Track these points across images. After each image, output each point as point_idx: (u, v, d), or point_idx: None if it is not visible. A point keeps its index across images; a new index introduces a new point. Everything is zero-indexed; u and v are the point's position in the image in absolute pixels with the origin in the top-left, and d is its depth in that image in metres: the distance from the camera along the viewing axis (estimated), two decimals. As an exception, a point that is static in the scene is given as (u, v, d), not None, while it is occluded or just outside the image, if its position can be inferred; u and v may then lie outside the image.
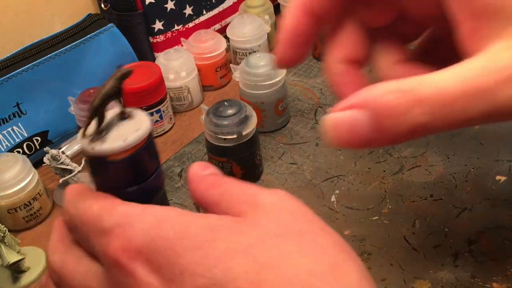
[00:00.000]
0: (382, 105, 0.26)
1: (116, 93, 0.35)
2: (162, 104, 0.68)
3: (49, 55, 0.64)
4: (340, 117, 0.27)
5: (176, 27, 0.77)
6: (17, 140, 0.63)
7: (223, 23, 0.84)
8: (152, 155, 0.38)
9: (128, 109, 0.37)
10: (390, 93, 0.26)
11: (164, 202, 0.35)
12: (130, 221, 0.24)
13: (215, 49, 0.75)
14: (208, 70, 0.75)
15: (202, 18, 0.80)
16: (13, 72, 0.61)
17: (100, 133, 0.35)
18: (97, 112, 0.35)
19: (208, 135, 0.57)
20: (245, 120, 0.55)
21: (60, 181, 0.58)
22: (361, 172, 0.58)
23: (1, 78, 0.61)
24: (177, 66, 0.70)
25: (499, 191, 0.53)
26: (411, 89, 0.25)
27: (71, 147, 0.68)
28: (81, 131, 0.35)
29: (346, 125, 0.27)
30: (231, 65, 0.71)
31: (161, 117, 0.68)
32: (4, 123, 0.62)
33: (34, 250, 0.54)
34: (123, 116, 0.37)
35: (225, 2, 0.83)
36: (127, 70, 0.35)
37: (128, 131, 0.36)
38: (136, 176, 0.36)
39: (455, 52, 0.31)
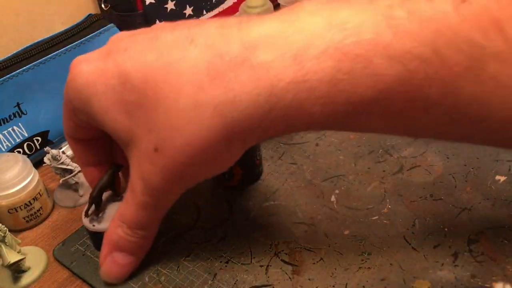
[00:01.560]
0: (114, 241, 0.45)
1: (110, 185, 0.49)
2: (162, 104, 0.67)
3: (49, 55, 0.64)
4: (107, 264, 0.45)
5: (176, 27, 0.77)
6: (18, 140, 0.63)
7: (223, 23, 0.84)
8: None
9: (119, 192, 0.51)
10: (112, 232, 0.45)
11: None
12: None
13: (215, 49, 0.74)
14: (208, 70, 0.75)
15: (202, 18, 0.81)
16: (14, 72, 0.62)
17: (98, 214, 0.50)
18: (95, 200, 0.49)
19: (208, 135, 0.57)
20: (245, 120, 0.55)
21: (61, 181, 0.58)
22: (361, 172, 0.58)
23: (1, 78, 0.61)
24: (177, 66, 0.70)
25: (499, 191, 0.53)
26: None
27: (72, 147, 0.68)
28: (83, 212, 0.50)
29: (113, 264, 0.45)
30: (231, 65, 0.70)
31: (161, 117, 0.68)
32: (4, 123, 0.62)
33: (34, 250, 0.54)
34: (116, 198, 0.51)
35: (225, 2, 0.83)
36: (119, 166, 0.49)
37: None
38: None
39: None
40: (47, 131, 0.66)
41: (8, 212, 0.55)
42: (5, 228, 0.48)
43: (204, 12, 0.79)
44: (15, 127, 0.63)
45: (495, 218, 0.50)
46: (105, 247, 0.44)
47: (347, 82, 0.31)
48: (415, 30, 0.30)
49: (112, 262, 0.44)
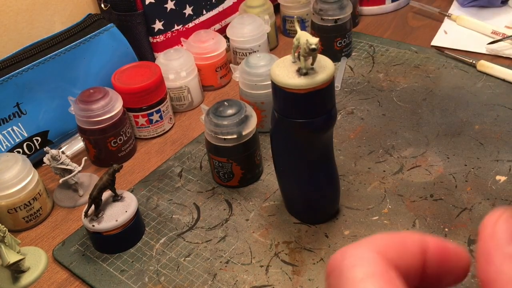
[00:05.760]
0: None
1: (109, 185, 0.50)
2: (162, 104, 0.68)
3: (49, 55, 0.64)
4: None
5: (176, 27, 0.77)
6: (17, 140, 0.63)
7: (223, 23, 0.84)
8: (139, 226, 0.54)
9: (119, 192, 0.53)
10: None
11: None
12: None
13: (215, 49, 0.75)
14: (208, 70, 0.75)
15: (202, 18, 0.80)
16: (13, 72, 0.61)
17: (98, 214, 0.51)
18: (95, 200, 0.50)
19: (208, 135, 0.57)
20: (245, 120, 0.55)
21: (60, 181, 0.58)
22: (361, 172, 0.58)
23: (1, 78, 0.61)
24: (177, 66, 0.70)
25: (499, 191, 0.53)
26: None
27: (71, 147, 0.68)
28: (83, 212, 0.51)
29: None
30: (231, 65, 0.71)
31: (161, 117, 0.68)
32: (4, 123, 0.62)
33: (34, 250, 0.54)
34: (115, 198, 0.52)
35: (225, 2, 0.83)
36: (118, 166, 0.50)
37: (119, 211, 0.51)
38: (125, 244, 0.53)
39: None
40: (47, 131, 0.65)
41: (8, 212, 0.55)
42: (5, 228, 0.48)
43: (204, 12, 0.79)
44: (14, 127, 0.63)
45: (495, 218, 0.50)
46: None
47: None
48: None
49: None
